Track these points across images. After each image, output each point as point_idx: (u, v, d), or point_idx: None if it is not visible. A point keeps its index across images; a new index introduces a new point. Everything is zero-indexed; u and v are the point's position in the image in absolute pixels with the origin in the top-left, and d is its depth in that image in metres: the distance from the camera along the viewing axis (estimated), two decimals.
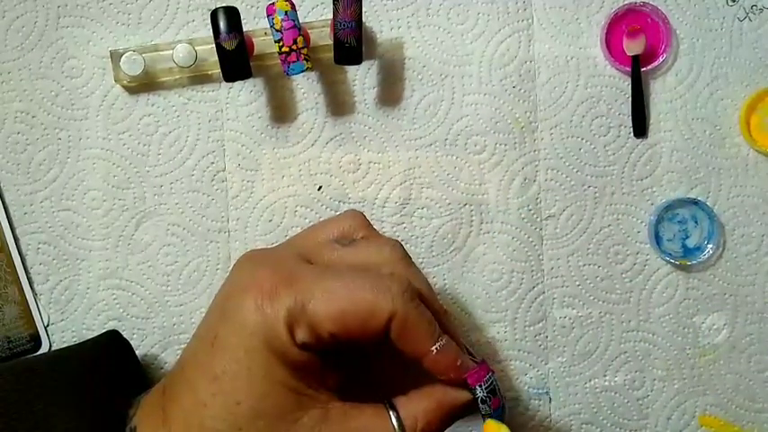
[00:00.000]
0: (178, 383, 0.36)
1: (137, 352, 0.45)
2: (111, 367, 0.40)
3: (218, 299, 0.37)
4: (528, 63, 0.47)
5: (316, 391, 0.35)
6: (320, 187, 0.46)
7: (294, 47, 0.41)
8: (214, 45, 0.41)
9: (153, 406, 0.37)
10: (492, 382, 0.35)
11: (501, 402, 0.36)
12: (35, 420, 0.35)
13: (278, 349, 0.34)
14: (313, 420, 0.35)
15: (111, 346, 0.42)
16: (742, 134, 0.47)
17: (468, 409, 0.36)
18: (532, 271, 0.47)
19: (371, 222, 0.46)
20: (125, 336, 0.44)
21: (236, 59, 0.41)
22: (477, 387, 0.35)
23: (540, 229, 0.47)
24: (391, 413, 0.36)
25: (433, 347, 0.35)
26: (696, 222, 0.47)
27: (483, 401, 0.35)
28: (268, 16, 0.42)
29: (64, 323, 0.46)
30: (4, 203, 0.45)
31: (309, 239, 0.39)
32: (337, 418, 0.35)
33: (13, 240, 0.45)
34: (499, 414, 0.36)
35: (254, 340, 0.34)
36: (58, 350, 0.44)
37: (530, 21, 0.47)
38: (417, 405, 0.36)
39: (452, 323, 0.39)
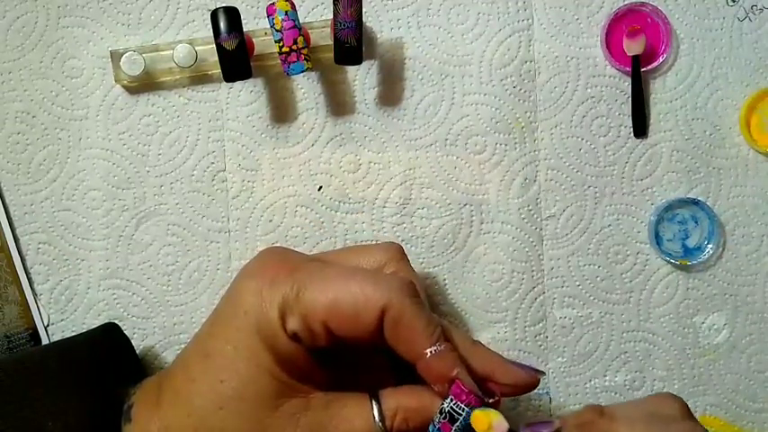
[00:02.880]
0: (176, 363, 0.38)
1: (137, 352, 0.45)
2: (109, 352, 0.40)
3: (231, 283, 0.38)
4: (528, 63, 0.47)
5: (299, 383, 0.36)
6: (320, 187, 0.46)
7: (294, 47, 0.41)
8: (214, 45, 0.41)
9: (152, 385, 0.38)
10: (465, 414, 0.33)
11: None
12: (33, 405, 0.35)
13: (267, 335, 0.34)
14: (294, 408, 0.35)
15: (108, 334, 0.42)
16: (742, 134, 0.47)
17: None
18: (532, 271, 0.47)
19: (372, 223, 0.46)
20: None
21: (237, 59, 0.41)
22: (450, 399, 0.34)
23: (540, 229, 0.47)
24: (373, 403, 0.35)
25: (429, 350, 0.34)
26: (696, 222, 0.47)
27: (441, 412, 0.34)
28: (268, 16, 0.42)
29: (64, 323, 0.46)
30: (4, 203, 0.45)
31: (333, 257, 0.40)
32: (318, 407, 0.36)
33: (13, 240, 0.45)
34: None
35: (247, 322, 0.35)
36: (57, 341, 0.44)
37: (530, 21, 0.47)
38: (402, 400, 0.36)
39: (482, 352, 0.37)
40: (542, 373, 0.37)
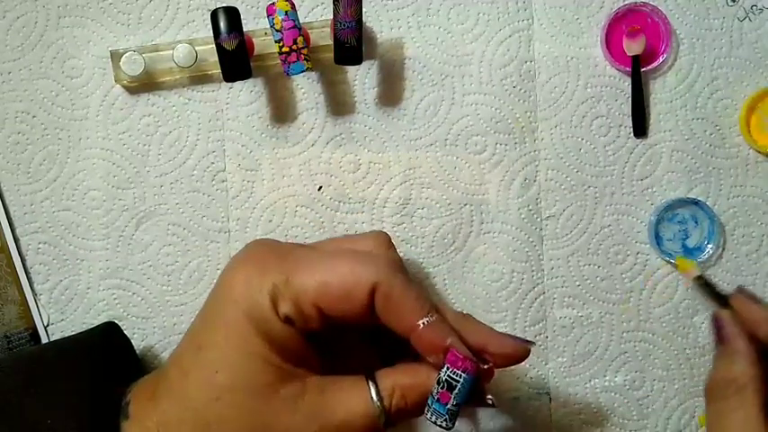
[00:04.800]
0: (170, 359, 0.38)
1: (137, 351, 0.45)
2: (108, 351, 0.40)
3: (219, 276, 0.38)
4: (528, 63, 0.47)
5: (294, 367, 0.36)
6: (320, 187, 0.46)
7: (294, 47, 0.41)
8: (214, 45, 0.41)
9: (148, 382, 0.38)
10: (462, 380, 0.34)
11: (450, 403, 0.34)
12: (33, 403, 0.35)
13: (259, 321, 0.35)
14: (291, 393, 0.35)
15: (108, 333, 0.42)
16: (742, 134, 0.47)
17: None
18: (532, 271, 0.47)
19: (372, 223, 0.46)
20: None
21: (237, 59, 0.41)
22: (446, 368, 0.34)
23: (540, 229, 0.47)
24: (370, 383, 0.36)
25: (421, 321, 0.34)
26: (696, 222, 0.47)
27: (438, 383, 0.34)
28: (268, 16, 0.42)
29: (64, 323, 0.46)
30: (4, 203, 0.45)
31: (322, 245, 0.40)
32: (315, 391, 0.36)
33: (13, 240, 0.45)
34: (440, 410, 0.34)
35: (237, 310, 0.35)
36: (56, 340, 0.44)
37: (530, 21, 0.47)
38: (398, 378, 0.36)
39: (474, 325, 0.38)
40: (533, 343, 0.37)
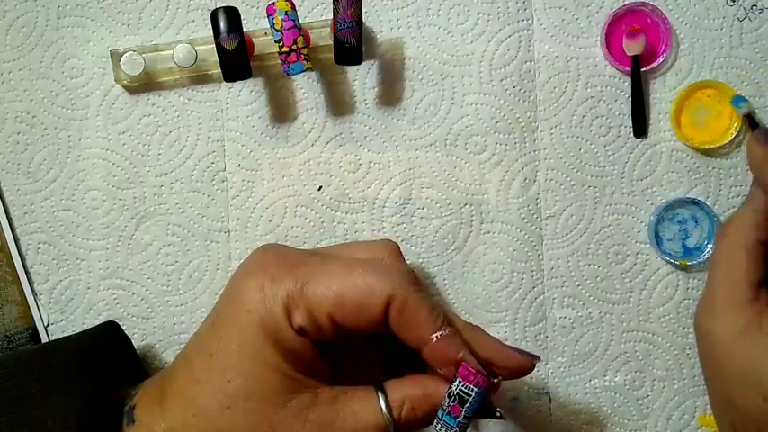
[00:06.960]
0: (178, 363, 0.38)
1: (137, 352, 0.45)
2: (109, 350, 0.40)
3: (228, 282, 0.38)
4: (528, 63, 0.47)
5: (305, 377, 0.36)
6: (320, 187, 0.46)
7: (294, 47, 0.41)
8: (214, 45, 0.41)
9: (153, 386, 0.38)
10: (474, 394, 0.34)
11: (461, 416, 0.34)
12: (33, 402, 0.35)
13: (272, 330, 0.35)
14: (302, 404, 0.35)
15: (108, 333, 0.42)
16: (675, 133, 0.46)
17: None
18: (532, 271, 0.47)
19: (372, 223, 0.46)
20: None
21: (237, 59, 0.41)
22: (457, 381, 0.34)
23: (540, 229, 0.47)
24: (380, 395, 0.36)
25: (434, 335, 0.35)
26: (696, 222, 0.47)
27: (449, 396, 0.35)
28: (268, 16, 0.42)
29: (64, 323, 0.46)
30: (4, 203, 0.45)
31: (330, 252, 0.40)
32: (326, 402, 0.36)
33: (13, 240, 0.45)
34: (450, 422, 0.34)
35: (250, 319, 0.35)
36: (57, 339, 0.44)
37: (530, 21, 0.47)
38: (407, 390, 0.36)
39: (482, 337, 0.38)
40: (538, 358, 0.38)
